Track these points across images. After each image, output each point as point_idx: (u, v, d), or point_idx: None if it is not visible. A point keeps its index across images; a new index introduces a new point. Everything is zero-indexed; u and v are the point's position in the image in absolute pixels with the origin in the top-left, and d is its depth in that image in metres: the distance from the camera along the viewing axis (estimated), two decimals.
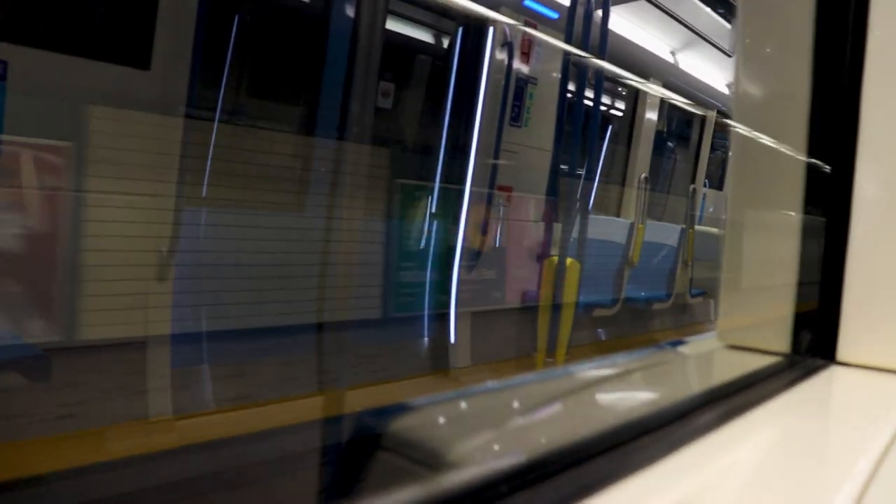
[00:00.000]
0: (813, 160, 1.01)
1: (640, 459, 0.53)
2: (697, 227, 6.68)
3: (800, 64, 1.02)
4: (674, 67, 6.67)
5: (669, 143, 8.25)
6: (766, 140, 1.05)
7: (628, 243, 5.65)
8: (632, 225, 5.75)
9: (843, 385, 0.92)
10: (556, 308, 3.72)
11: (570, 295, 3.73)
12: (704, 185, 8.08)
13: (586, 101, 4.19)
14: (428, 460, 0.50)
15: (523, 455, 0.52)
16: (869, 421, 0.76)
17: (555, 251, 3.87)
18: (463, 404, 0.65)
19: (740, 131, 1.10)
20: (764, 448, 0.66)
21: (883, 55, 0.96)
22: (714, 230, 6.69)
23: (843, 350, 0.97)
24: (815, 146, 1.00)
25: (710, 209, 7.90)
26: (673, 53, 6.62)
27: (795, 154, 1.02)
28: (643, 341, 5.79)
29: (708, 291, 6.73)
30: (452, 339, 4.74)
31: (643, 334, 6.56)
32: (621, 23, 5.54)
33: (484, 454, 0.54)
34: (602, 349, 5.35)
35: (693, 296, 6.79)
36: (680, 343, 1.09)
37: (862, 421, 0.77)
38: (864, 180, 0.96)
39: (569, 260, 3.73)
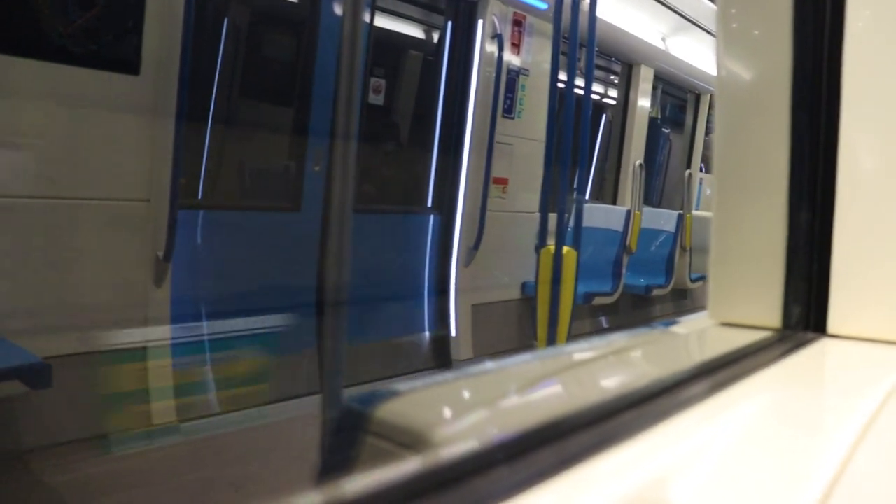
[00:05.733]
0: (797, 136, 1.02)
1: (624, 432, 0.54)
2: (694, 212, 6.68)
3: (781, 40, 1.02)
4: (664, 53, 6.67)
5: (664, 129, 8.25)
6: (749, 117, 1.06)
7: (626, 230, 5.66)
8: (628, 212, 5.75)
9: (833, 356, 0.92)
10: (555, 296, 3.72)
11: (567, 283, 3.74)
12: (701, 170, 8.09)
13: (577, 90, 4.19)
14: (412, 442, 0.50)
15: (505, 432, 0.52)
16: (857, 389, 0.76)
17: (551, 241, 3.88)
18: (450, 386, 0.66)
19: (724, 111, 1.10)
20: (750, 417, 0.67)
21: (861, 29, 0.96)
22: (710, 214, 6.69)
23: (834, 322, 0.98)
24: (798, 120, 1.00)
25: (708, 192, 7.90)
26: (664, 39, 6.62)
27: (779, 129, 1.03)
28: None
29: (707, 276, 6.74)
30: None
31: (644, 320, 6.57)
32: (610, 10, 5.54)
33: (467, 434, 0.55)
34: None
35: (693, 280, 6.80)
36: (672, 323, 1.09)
37: (850, 389, 0.78)
38: (847, 152, 0.97)
39: (565, 249, 3.74)
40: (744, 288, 1.05)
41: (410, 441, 0.51)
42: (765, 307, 1.01)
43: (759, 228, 1.04)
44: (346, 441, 0.54)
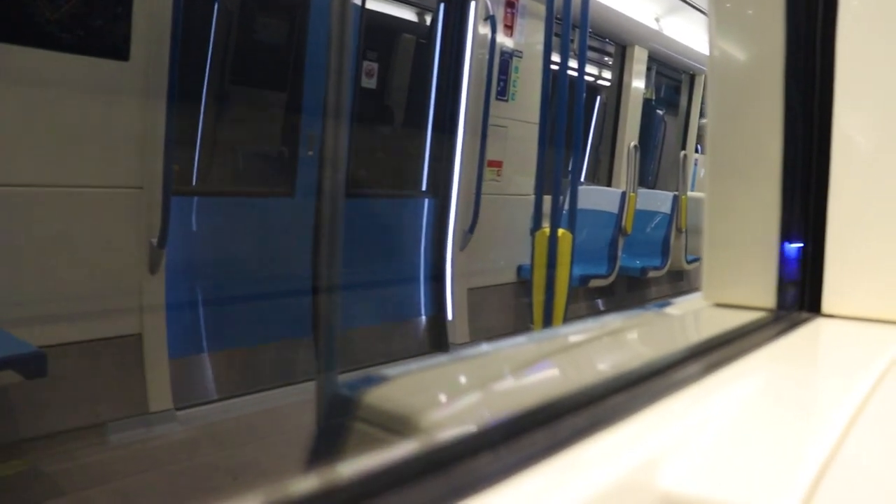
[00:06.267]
0: (790, 116, 1.01)
1: (617, 414, 0.53)
2: (690, 194, 6.67)
3: (774, 20, 1.01)
4: (658, 33, 6.63)
5: (658, 110, 8.23)
6: (742, 97, 1.05)
7: (621, 212, 5.65)
8: (623, 194, 5.74)
9: (827, 336, 0.92)
10: (550, 279, 3.72)
11: (562, 266, 3.73)
12: (697, 151, 8.07)
13: (571, 72, 4.16)
14: (401, 427, 0.50)
15: (496, 415, 0.52)
16: (851, 368, 0.76)
17: (546, 223, 3.87)
18: (441, 370, 0.65)
19: (717, 92, 1.09)
20: (744, 397, 0.67)
21: (855, 8, 0.95)
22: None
23: (829, 302, 0.97)
24: (791, 99, 1.00)
25: (703, 173, 7.90)
26: (657, 20, 6.58)
27: (773, 109, 1.02)
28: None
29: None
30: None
31: (640, 302, 6.57)
32: None
33: (457, 418, 0.54)
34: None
35: (689, 262, 6.81)
36: (666, 304, 1.09)
37: (844, 368, 0.78)
38: (841, 131, 0.96)
39: (561, 231, 3.73)
40: (738, 268, 1.04)
41: (400, 426, 0.51)
42: (759, 287, 1.00)
43: (753, 208, 1.03)
44: (336, 427, 0.53)
